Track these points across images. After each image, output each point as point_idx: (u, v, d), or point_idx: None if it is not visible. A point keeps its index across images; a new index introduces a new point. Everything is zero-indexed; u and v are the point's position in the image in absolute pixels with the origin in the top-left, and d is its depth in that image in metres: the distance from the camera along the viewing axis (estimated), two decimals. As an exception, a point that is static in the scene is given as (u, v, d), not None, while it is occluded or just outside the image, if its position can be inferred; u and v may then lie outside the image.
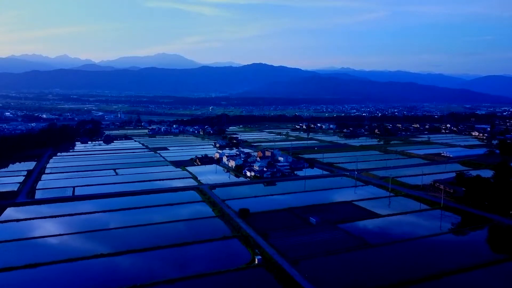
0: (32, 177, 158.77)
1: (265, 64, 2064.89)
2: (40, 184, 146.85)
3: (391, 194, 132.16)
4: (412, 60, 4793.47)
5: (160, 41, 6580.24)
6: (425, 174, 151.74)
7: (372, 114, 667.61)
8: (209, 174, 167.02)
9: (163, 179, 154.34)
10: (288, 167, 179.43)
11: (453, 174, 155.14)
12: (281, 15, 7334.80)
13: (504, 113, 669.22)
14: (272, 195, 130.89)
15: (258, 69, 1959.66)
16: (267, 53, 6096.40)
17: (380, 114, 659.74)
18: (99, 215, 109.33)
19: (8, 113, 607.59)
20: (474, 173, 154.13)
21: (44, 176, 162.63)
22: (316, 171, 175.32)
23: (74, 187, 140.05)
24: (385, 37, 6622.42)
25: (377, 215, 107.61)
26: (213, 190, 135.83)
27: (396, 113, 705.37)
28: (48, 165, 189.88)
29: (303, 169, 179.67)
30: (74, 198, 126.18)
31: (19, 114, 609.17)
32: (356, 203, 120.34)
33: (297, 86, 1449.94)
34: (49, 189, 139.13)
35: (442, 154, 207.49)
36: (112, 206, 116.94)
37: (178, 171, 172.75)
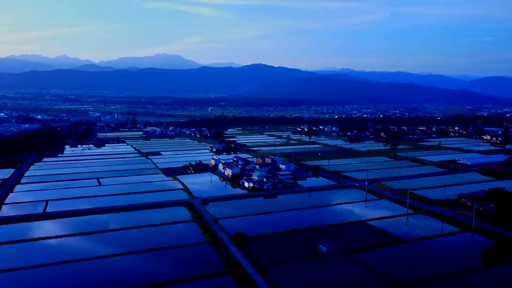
0: (4, 188, 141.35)
1: (264, 65, 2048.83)
2: (10, 198, 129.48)
3: (410, 211, 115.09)
4: (412, 61, 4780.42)
5: (160, 41, 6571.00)
6: (445, 186, 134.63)
7: (373, 115, 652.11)
8: (202, 185, 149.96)
9: (149, 191, 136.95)
10: (291, 176, 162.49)
11: (477, 186, 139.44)
12: (281, 16, 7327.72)
13: (507, 115, 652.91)
14: (273, 212, 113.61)
15: (257, 69, 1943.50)
16: (266, 53, 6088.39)
17: (381, 116, 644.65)
18: (63, 240, 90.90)
19: (3, 114, 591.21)
20: (498, 184, 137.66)
21: (18, 187, 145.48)
22: (321, 181, 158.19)
23: (47, 201, 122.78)
24: (384, 38, 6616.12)
25: (399, 240, 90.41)
26: (205, 206, 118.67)
27: (398, 114, 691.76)
28: (26, 173, 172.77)
29: (307, 178, 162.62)
30: (42, 216, 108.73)
31: (14, 115, 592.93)
32: (371, 223, 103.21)
33: (297, 86, 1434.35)
34: (19, 203, 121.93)
35: (458, 161, 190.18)
36: (82, 227, 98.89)
37: (168, 181, 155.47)
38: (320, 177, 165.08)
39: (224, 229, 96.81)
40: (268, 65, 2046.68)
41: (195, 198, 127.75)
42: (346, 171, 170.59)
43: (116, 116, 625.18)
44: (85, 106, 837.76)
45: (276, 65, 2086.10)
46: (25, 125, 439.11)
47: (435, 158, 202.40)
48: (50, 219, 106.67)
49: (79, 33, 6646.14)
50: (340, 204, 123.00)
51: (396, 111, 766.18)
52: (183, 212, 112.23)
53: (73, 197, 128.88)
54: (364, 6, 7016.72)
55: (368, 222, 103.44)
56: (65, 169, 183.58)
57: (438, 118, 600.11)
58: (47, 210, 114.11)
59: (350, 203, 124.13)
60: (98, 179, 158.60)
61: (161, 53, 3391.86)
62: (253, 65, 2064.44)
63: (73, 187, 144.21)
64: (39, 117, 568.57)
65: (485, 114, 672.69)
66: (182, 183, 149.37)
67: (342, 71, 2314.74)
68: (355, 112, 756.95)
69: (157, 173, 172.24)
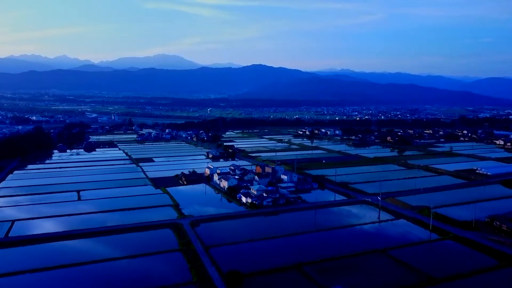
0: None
1: (264, 65, 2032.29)
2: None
3: (434, 235, 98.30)
4: (412, 61, 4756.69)
5: (160, 42, 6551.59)
6: (470, 203, 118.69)
7: (375, 117, 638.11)
8: (194, 200, 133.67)
9: (133, 208, 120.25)
10: (294, 188, 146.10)
11: (506, 203, 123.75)
12: (280, 17, 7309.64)
13: (510, 116, 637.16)
14: (274, 237, 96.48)
15: (257, 70, 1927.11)
16: (266, 54, 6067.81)
17: (383, 117, 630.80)
18: (14, 280, 73.87)
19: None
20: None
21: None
22: (327, 195, 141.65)
23: (13, 222, 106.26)
24: (383, 38, 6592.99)
25: (430, 280, 73.41)
26: (195, 228, 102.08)
27: (399, 115, 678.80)
28: (1, 184, 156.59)
29: (312, 191, 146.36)
30: (1, 243, 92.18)
31: (9, 115, 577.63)
32: (392, 252, 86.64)
33: (297, 87, 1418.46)
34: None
35: (477, 171, 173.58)
36: (43, 259, 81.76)
37: (157, 195, 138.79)
38: (326, 190, 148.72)
39: (215, 262, 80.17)
40: (268, 66, 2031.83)
41: (185, 217, 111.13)
42: (355, 183, 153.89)
43: (113, 117, 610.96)
44: (82, 107, 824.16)
45: (276, 65, 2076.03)
46: (19, 127, 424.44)
47: (450, 167, 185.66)
48: (8, 247, 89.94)
49: (79, 33, 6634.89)
50: (352, 226, 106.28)
51: (398, 113, 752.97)
52: (168, 237, 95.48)
53: (44, 216, 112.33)
54: (362, 7, 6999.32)
55: (388, 252, 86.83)
56: (46, 178, 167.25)
57: (441, 119, 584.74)
58: (9, 234, 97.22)
59: (363, 224, 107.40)
60: (78, 192, 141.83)
61: (161, 53, 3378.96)
62: (253, 65, 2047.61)
63: (48, 202, 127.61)
64: (34, 118, 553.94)
65: (488, 116, 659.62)
66: (171, 197, 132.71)
67: (342, 72, 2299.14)
68: (356, 113, 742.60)
69: (145, 185, 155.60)
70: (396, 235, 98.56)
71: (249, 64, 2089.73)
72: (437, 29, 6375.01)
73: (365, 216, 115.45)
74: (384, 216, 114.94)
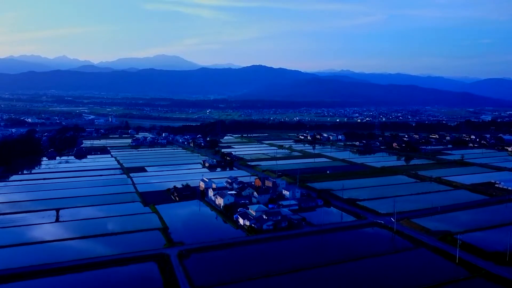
0: None
1: (264, 66, 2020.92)
2: None
3: (463, 271, 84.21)
4: (412, 62, 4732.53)
5: (159, 42, 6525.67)
6: (496, 227, 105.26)
7: (376, 118, 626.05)
8: (186, 221, 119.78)
9: (115, 233, 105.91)
10: (297, 206, 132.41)
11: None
12: (280, 18, 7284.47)
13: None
14: (276, 275, 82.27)
15: (257, 71, 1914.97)
16: (266, 55, 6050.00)
17: (384, 119, 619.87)
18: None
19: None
20: None
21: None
22: (334, 214, 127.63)
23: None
24: (383, 39, 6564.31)
25: None
26: (184, 261, 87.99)
27: (400, 117, 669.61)
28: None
29: (316, 209, 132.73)
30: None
31: (4, 117, 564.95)
32: (415, 298, 72.76)
33: (297, 88, 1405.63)
34: None
35: (496, 185, 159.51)
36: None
37: (145, 215, 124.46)
38: (332, 207, 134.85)
39: (205, 313, 66.33)
40: (267, 66, 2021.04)
41: (174, 245, 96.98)
42: (363, 199, 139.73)
43: (110, 119, 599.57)
44: (80, 108, 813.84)
45: (275, 66, 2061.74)
46: (12, 129, 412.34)
47: (465, 179, 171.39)
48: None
49: (79, 34, 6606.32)
50: (365, 257, 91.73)
51: (399, 114, 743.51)
52: (152, 275, 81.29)
53: (12, 245, 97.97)
54: (361, 8, 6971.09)
55: (411, 297, 72.98)
56: (26, 193, 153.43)
57: (444, 121, 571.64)
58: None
59: (378, 256, 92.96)
60: (58, 210, 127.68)
61: (161, 54, 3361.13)
62: (253, 66, 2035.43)
63: (21, 225, 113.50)
64: (30, 120, 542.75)
65: (490, 118, 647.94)
66: (160, 218, 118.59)
67: (342, 73, 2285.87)
68: (357, 115, 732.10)
69: (133, 201, 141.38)
70: (418, 272, 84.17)
71: (249, 65, 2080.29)
72: (437, 30, 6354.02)
73: (379, 243, 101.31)
74: (401, 243, 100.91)
